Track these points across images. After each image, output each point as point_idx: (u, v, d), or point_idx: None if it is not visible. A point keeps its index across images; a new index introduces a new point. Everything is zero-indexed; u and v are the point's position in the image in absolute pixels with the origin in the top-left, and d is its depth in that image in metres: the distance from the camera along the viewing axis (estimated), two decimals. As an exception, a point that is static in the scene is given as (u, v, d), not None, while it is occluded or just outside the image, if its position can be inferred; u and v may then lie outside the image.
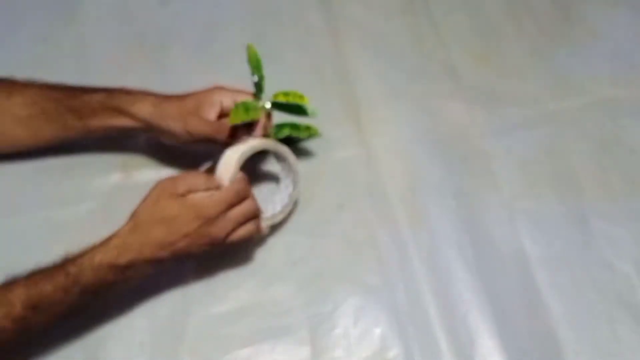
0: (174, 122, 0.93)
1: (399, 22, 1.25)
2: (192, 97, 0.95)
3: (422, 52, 1.22)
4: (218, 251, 0.89)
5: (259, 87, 0.97)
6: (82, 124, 0.97)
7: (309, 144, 1.11)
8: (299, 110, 0.99)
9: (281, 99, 0.97)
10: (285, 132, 1.06)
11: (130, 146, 1.08)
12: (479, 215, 1.06)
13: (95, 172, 1.07)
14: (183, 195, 0.85)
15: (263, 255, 1.02)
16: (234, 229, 0.88)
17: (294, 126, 1.07)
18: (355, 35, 1.22)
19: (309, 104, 0.97)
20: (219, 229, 0.86)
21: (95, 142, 1.07)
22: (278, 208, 1.01)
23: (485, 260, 1.03)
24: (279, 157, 1.02)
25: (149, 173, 1.07)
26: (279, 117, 1.06)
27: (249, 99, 0.96)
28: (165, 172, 1.06)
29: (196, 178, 0.87)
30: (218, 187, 0.87)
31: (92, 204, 1.04)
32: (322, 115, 1.11)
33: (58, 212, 1.03)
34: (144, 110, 0.94)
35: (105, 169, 1.07)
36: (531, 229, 1.05)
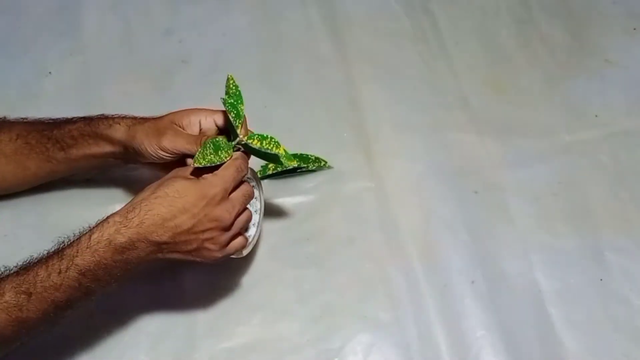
0: (148, 139, 0.88)
1: (410, 53, 1.24)
2: (169, 115, 0.90)
3: (433, 82, 1.21)
4: (220, 258, 0.86)
5: (233, 128, 0.87)
6: (64, 154, 0.95)
7: (319, 176, 1.10)
8: (272, 158, 0.90)
9: (255, 144, 0.87)
10: (294, 163, 1.06)
11: (133, 178, 1.07)
12: (493, 250, 1.05)
13: (99, 203, 1.04)
14: (192, 179, 0.82)
15: (271, 289, 1.01)
16: (239, 213, 0.84)
17: (303, 157, 1.07)
18: (365, 65, 1.22)
19: (284, 153, 0.89)
20: (224, 211, 0.82)
21: (93, 177, 1.06)
22: (253, 230, 0.94)
23: (498, 295, 1.01)
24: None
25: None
26: (288, 148, 1.05)
27: (220, 137, 0.86)
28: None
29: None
30: None
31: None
32: (332, 146, 1.11)
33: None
34: (119, 132, 0.91)
35: (108, 200, 1.04)
36: (546, 263, 1.04)
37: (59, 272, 0.76)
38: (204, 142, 0.84)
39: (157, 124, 0.89)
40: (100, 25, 1.25)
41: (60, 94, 1.16)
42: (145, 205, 0.79)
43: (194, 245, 0.83)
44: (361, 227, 1.06)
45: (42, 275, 0.76)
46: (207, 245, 0.83)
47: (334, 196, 1.08)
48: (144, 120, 0.92)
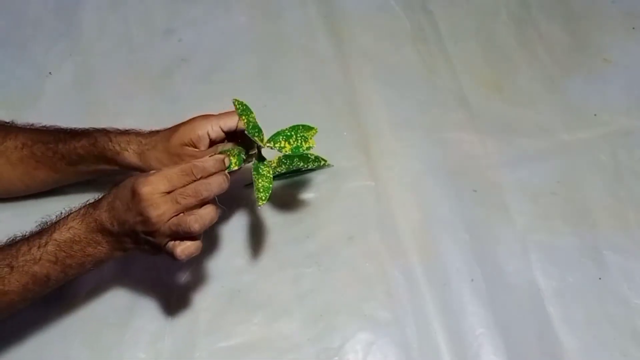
0: (164, 164, 0.91)
1: (410, 52, 1.24)
2: (177, 134, 0.91)
3: (433, 82, 1.21)
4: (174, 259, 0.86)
5: (260, 140, 0.92)
6: (71, 168, 0.97)
7: (318, 175, 1.10)
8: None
9: (285, 148, 0.94)
10: (295, 163, 1.06)
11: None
12: (491, 248, 1.05)
13: None
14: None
15: (271, 288, 1.01)
16: (177, 212, 0.83)
17: (303, 157, 1.07)
18: (365, 65, 1.22)
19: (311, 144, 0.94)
20: (147, 206, 0.81)
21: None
22: None
23: (497, 293, 1.01)
24: None
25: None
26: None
27: (259, 163, 0.92)
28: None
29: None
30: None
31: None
32: (331, 145, 1.11)
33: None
34: (129, 158, 0.93)
35: None
36: (544, 262, 1.04)
37: (39, 247, 0.83)
38: (255, 180, 0.90)
39: (169, 148, 0.91)
40: (100, 25, 1.25)
41: (60, 94, 1.16)
42: (106, 196, 0.86)
43: (134, 241, 0.85)
44: (361, 225, 1.06)
45: (23, 250, 0.83)
46: (144, 244, 0.86)
47: (334, 195, 1.09)
48: (153, 144, 0.93)
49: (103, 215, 0.84)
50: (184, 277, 1.01)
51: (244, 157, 0.92)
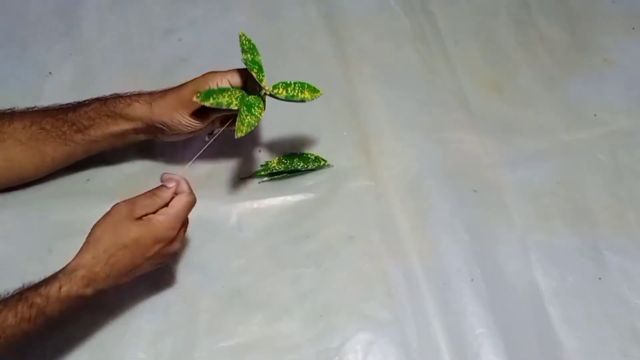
0: (177, 113, 0.95)
1: (410, 52, 1.24)
2: (186, 86, 0.96)
3: (433, 82, 1.21)
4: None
5: (258, 82, 0.94)
6: (81, 136, 0.98)
7: (318, 175, 1.10)
8: (299, 102, 0.97)
9: (281, 94, 0.96)
10: (295, 163, 1.06)
11: (133, 178, 1.08)
12: (491, 248, 1.05)
13: (99, 202, 0.98)
14: (140, 218, 0.86)
15: (270, 288, 1.01)
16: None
17: (303, 157, 1.07)
18: (365, 65, 1.22)
19: (309, 96, 0.97)
20: (176, 247, 0.90)
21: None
22: None
23: (497, 293, 1.01)
24: None
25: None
26: (288, 148, 1.06)
27: (251, 96, 0.93)
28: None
29: (148, 199, 0.88)
30: (167, 203, 0.89)
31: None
32: (331, 145, 1.11)
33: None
34: (140, 109, 0.96)
35: (108, 199, 1.02)
36: (544, 262, 1.04)
37: (29, 321, 0.80)
38: (242, 113, 0.90)
39: (180, 95, 0.95)
40: (100, 25, 1.25)
41: (60, 94, 1.15)
42: (110, 258, 0.84)
43: (149, 269, 0.91)
44: (361, 225, 1.06)
45: (11, 322, 0.79)
46: (162, 265, 0.93)
47: (334, 195, 1.09)
48: (163, 94, 0.97)
49: (114, 279, 0.85)
50: (184, 278, 1.01)
51: (242, 97, 0.93)
